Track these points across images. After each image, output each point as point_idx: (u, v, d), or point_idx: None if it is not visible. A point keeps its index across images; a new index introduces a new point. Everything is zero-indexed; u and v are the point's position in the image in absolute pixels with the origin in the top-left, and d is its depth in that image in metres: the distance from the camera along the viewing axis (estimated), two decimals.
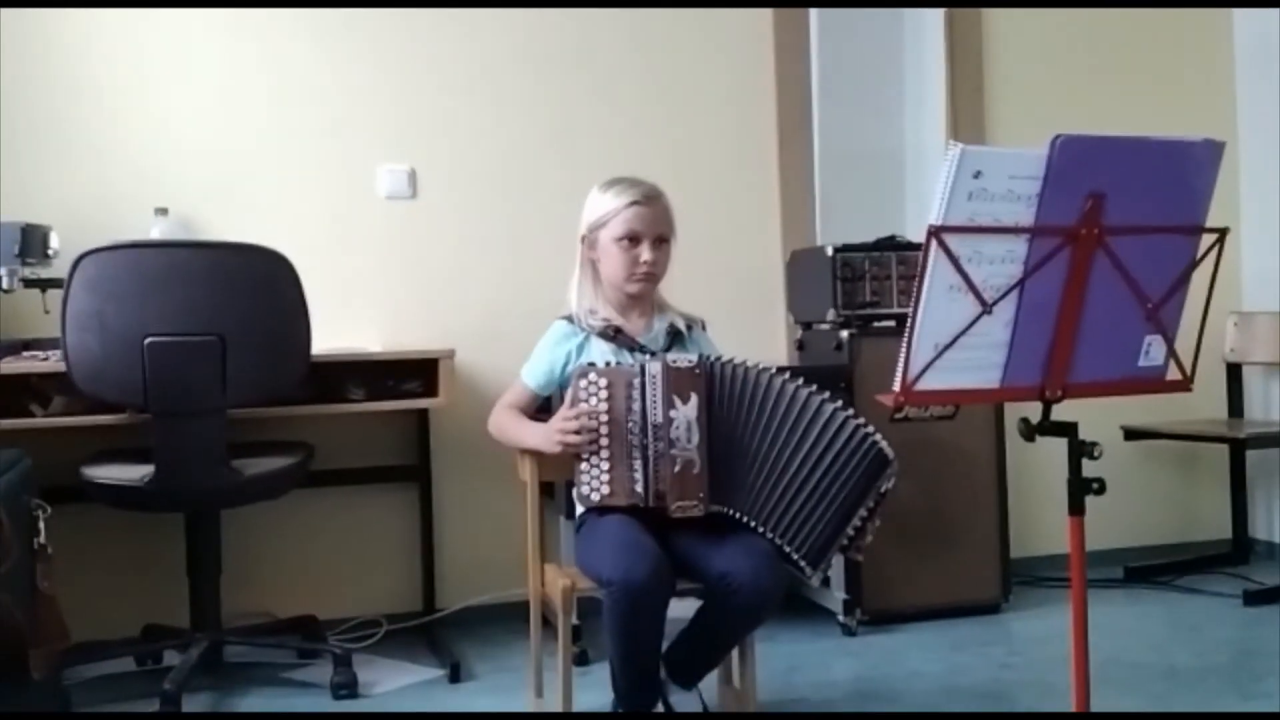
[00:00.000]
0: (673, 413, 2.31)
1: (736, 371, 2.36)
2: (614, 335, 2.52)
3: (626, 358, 2.47)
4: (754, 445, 2.33)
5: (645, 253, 2.49)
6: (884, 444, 2.32)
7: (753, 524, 2.31)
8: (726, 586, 2.24)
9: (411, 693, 2.96)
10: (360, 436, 3.49)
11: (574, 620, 2.40)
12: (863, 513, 2.33)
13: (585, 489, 2.33)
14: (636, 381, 2.33)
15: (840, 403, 2.35)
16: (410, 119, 3.61)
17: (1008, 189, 1.71)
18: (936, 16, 4.04)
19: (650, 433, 2.31)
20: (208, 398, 2.74)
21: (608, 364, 2.41)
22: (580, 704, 2.45)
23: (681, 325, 2.58)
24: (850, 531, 2.33)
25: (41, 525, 1.92)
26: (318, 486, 3.35)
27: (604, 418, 2.32)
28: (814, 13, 3.97)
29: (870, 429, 2.32)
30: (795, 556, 2.30)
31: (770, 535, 2.30)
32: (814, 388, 2.36)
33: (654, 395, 2.32)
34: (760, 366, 2.37)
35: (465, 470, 3.58)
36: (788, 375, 2.37)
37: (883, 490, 2.34)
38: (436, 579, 3.53)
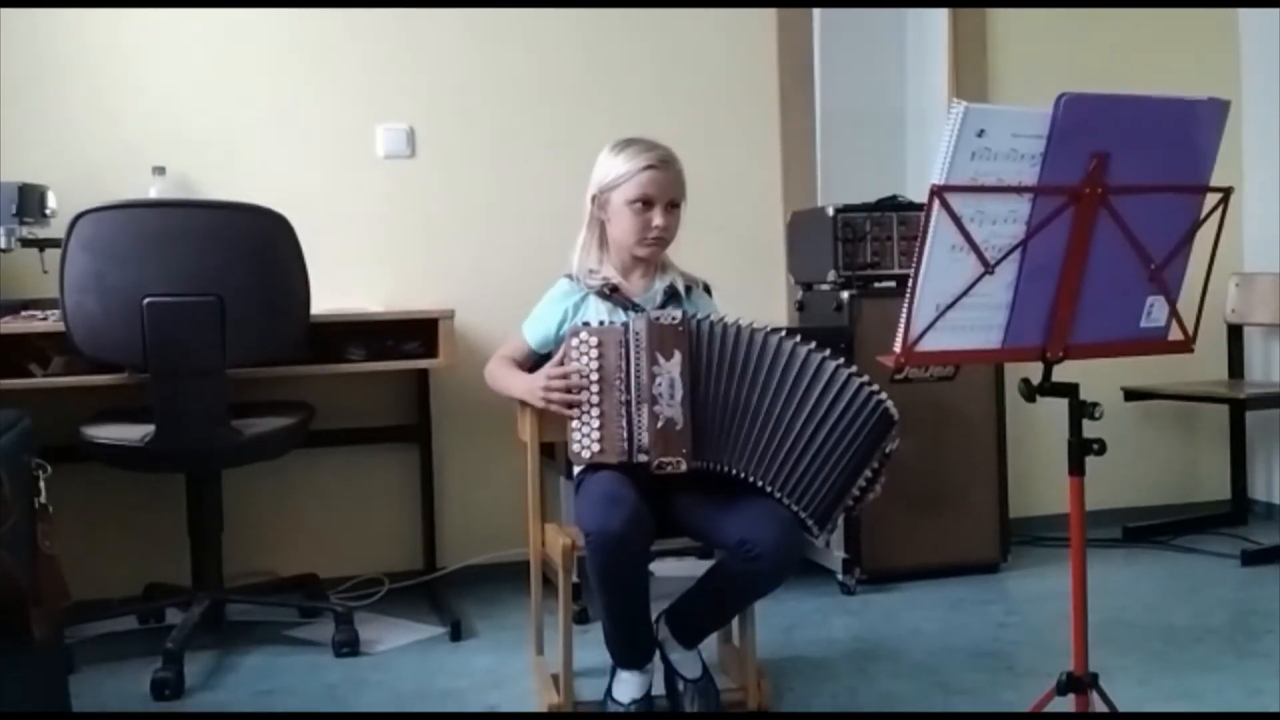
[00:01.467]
0: (656, 369, 2.31)
1: (726, 330, 2.35)
2: (610, 294, 2.52)
3: (621, 316, 2.47)
4: (748, 403, 2.32)
5: (657, 217, 2.48)
6: (889, 403, 2.32)
7: (759, 483, 2.30)
8: (747, 552, 2.24)
9: (413, 650, 2.98)
10: (360, 397, 3.49)
11: (574, 579, 2.41)
12: (867, 473, 2.33)
13: (576, 446, 2.34)
14: (625, 340, 2.34)
15: (842, 360, 2.34)
16: (408, 77, 3.59)
17: (1011, 148, 1.70)
18: None
19: (634, 389, 2.32)
20: (207, 358, 2.73)
21: (601, 323, 2.41)
22: (580, 662, 2.47)
23: (681, 286, 2.57)
24: (855, 492, 2.33)
25: (42, 485, 1.92)
26: (318, 446, 3.36)
27: (594, 376, 2.33)
28: None
29: (875, 387, 2.32)
30: (803, 516, 2.30)
31: (779, 495, 2.30)
32: (813, 345, 2.35)
33: (638, 352, 2.32)
34: (753, 325, 2.37)
35: (466, 430, 3.58)
36: (784, 333, 2.37)
37: (887, 450, 2.34)
38: (437, 538, 3.55)
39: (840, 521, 2.42)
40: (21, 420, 1.99)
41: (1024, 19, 4.05)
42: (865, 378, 2.33)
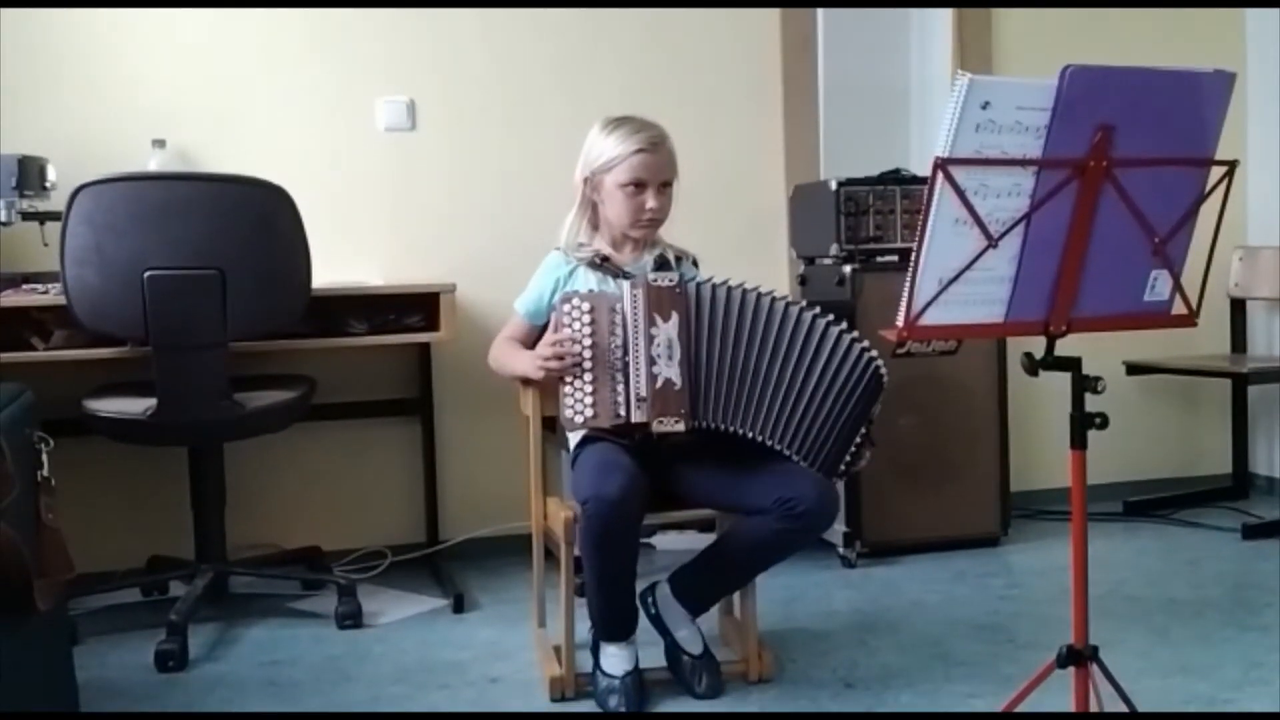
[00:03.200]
0: (653, 330, 2.31)
1: (730, 293, 2.35)
2: (600, 264, 2.52)
3: (611, 285, 2.48)
4: (748, 363, 2.33)
5: (650, 200, 2.48)
6: (881, 364, 2.34)
7: (770, 442, 2.31)
8: (790, 509, 2.26)
9: (416, 623, 2.99)
10: (362, 370, 3.49)
11: (575, 552, 2.42)
12: (858, 438, 2.35)
13: (569, 412, 2.34)
14: (619, 305, 2.34)
15: (845, 324, 2.35)
16: (409, 50, 3.56)
17: (1016, 120, 1.68)
18: None
19: (631, 351, 2.32)
20: (208, 331, 2.73)
21: (591, 290, 2.41)
22: (582, 634, 2.47)
23: (671, 257, 2.58)
24: (849, 456, 2.35)
25: (45, 458, 1.92)
26: (320, 420, 3.36)
27: (587, 341, 2.33)
28: None
29: (873, 351, 2.34)
30: (821, 474, 2.32)
31: (789, 454, 2.31)
32: (817, 310, 2.36)
33: (635, 314, 2.32)
34: (750, 287, 2.37)
35: (467, 404, 3.58)
36: (786, 297, 2.37)
37: (872, 416, 2.36)
38: (439, 511, 3.56)
39: (841, 495, 2.43)
40: (23, 394, 1.99)
41: None
42: (865, 342, 2.34)
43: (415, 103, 3.58)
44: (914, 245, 1.72)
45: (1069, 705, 1.94)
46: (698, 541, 3.34)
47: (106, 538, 3.22)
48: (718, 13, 3.77)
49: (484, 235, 3.60)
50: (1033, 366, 1.87)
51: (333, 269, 3.26)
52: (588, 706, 2.40)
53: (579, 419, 2.34)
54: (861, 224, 3.39)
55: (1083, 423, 1.88)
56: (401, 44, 3.56)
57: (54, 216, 2.82)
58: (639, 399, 2.31)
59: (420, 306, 3.18)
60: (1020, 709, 1.97)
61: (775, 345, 2.33)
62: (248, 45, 3.45)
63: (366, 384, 3.52)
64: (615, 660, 2.40)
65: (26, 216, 3.00)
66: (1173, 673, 2.49)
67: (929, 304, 1.73)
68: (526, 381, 2.49)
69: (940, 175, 1.68)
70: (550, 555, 2.61)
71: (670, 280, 2.35)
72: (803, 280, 3.67)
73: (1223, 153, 1.84)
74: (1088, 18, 4.02)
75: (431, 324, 3.17)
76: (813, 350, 2.33)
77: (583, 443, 2.45)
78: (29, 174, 2.95)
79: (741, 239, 3.73)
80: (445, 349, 3.48)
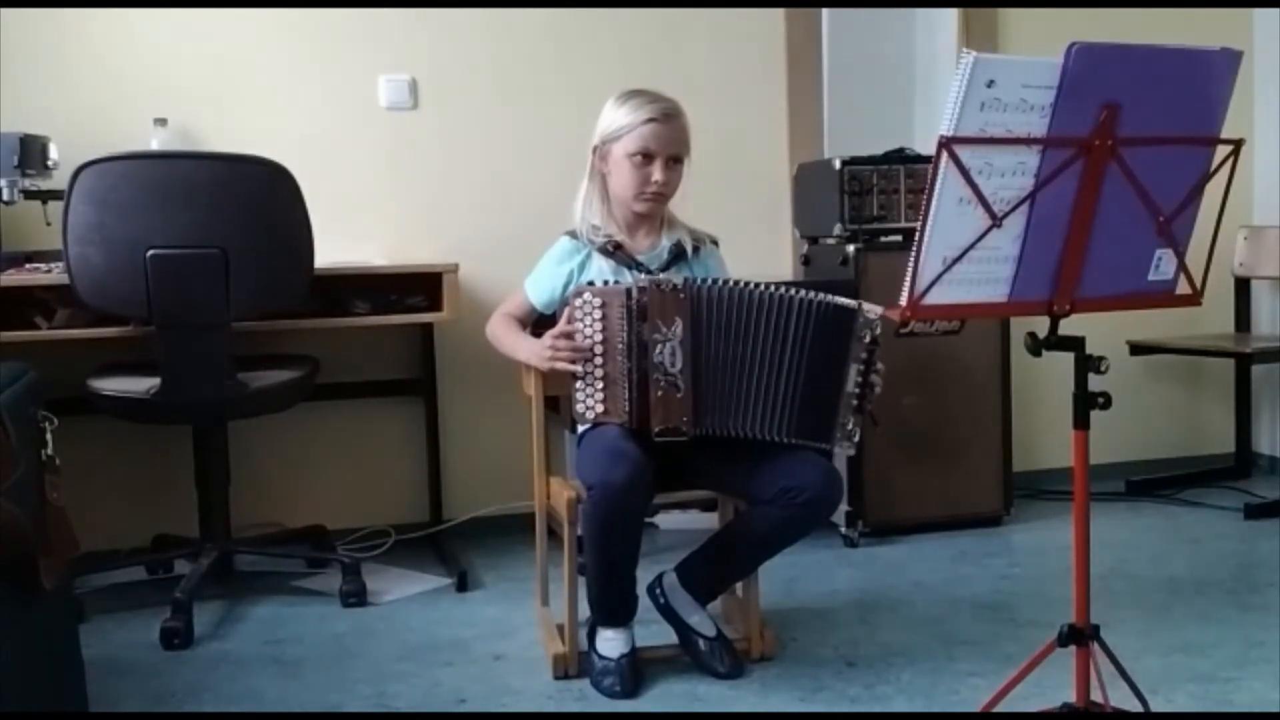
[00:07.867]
0: (657, 336, 2.30)
1: (727, 292, 2.33)
2: (613, 251, 2.50)
3: (625, 276, 2.46)
4: (745, 362, 2.32)
5: (657, 172, 2.45)
6: (838, 299, 2.32)
7: (769, 438, 2.31)
8: (793, 499, 2.27)
9: (420, 601, 3.00)
10: (365, 350, 3.50)
11: (578, 531, 2.43)
12: (859, 367, 2.33)
13: (580, 407, 2.34)
14: (629, 303, 2.32)
15: (810, 293, 2.33)
16: (411, 28, 3.55)
17: (1021, 99, 1.68)
18: None
19: (635, 356, 2.31)
20: (211, 310, 2.73)
21: (605, 283, 2.40)
22: (584, 613, 2.48)
23: (688, 244, 2.55)
24: (854, 390, 2.33)
25: (49, 437, 1.92)
26: (324, 400, 3.36)
27: (598, 338, 2.32)
28: None
29: (821, 296, 2.32)
30: (819, 445, 2.33)
31: (790, 440, 2.31)
32: (787, 289, 2.33)
33: (640, 317, 2.31)
34: (752, 284, 2.34)
35: (471, 384, 3.59)
36: (772, 287, 2.35)
37: (867, 339, 2.33)
38: (443, 490, 3.57)
39: (844, 475, 2.42)
40: (27, 373, 1.99)
41: None
42: (815, 295, 2.32)
43: (417, 81, 3.56)
44: (918, 224, 1.71)
45: (1070, 684, 1.94)
46: (700, 521, 3.35)
47: (111, 516, 3.24)
48: None
49: (487, 215, 3.60)
50: (1036, 346, 1.87)
51: (335, 249, 3.26)
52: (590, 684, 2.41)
53: (590, 415, 2.34)
54: (865, 203, 3.39)
55: (1086, 403, 1.88)
56: (403, 22, 3.54)
57: (56, 195, 2.82)
58: (643, 406, 2.30)
59: (423, 286, 3.17)
60: (1021, 688, 1.97)
61: (760, 337, 2.31)
62: (249, 24, 3.43)
63: (370, 364, 3.53)
64: (611, 644, 2.40)
65: (29, 195, 3.00)
66: (1174, 651, 2.49)
67: (933, 284, 1.73)
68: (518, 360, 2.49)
69: (944, 154, 1.67)
70: (553, 534, 2.62)
71: (674, 285, 2.32)
72: (806, 260, 3.66)
73: (1228, 132, 1.83)
74: None
75: (434, 304, 3.17)
76: (786, 327, 2.31)
77: (591, 424, 2.44)
78: (31, 153, 2.95)
79: (745, 218, 3.72)
80: (448, 329, 3.47)
